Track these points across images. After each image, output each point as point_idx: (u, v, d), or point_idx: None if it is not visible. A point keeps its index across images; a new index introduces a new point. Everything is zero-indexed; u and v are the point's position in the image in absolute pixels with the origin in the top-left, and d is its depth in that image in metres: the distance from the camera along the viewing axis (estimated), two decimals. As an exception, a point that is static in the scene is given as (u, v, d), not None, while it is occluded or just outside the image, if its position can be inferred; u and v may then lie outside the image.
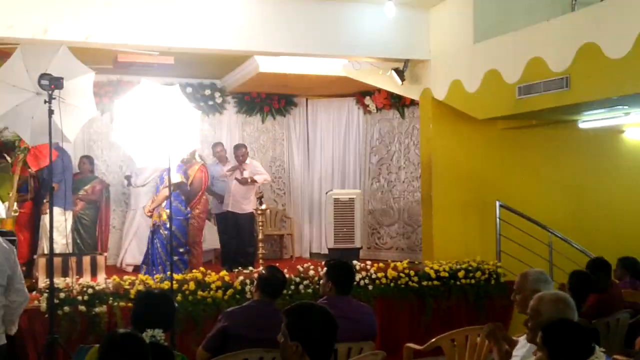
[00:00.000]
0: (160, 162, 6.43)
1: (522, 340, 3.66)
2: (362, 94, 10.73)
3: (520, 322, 3.66)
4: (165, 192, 7.76)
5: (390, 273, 7.48)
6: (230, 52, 7.73)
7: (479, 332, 4.49)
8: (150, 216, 8.16)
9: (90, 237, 8.76)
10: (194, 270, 7.54)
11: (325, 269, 4.72)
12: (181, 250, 7.86)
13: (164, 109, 5.85)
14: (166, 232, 7.68)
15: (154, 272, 7.67)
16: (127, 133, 6.06)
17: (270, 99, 10.92)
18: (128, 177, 9.60)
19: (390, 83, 8.79)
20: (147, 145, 5.99)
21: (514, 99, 7.18)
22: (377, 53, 8.15)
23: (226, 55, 8.24)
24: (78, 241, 8.56)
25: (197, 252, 8.38)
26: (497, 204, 8.10)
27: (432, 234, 8.41)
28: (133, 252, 9.17)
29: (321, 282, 4.79)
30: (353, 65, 8.94)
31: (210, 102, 10.57)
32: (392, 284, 7.42)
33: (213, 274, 7.01)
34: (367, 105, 10.74)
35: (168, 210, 7.65)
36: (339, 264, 4.73)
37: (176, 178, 7.83)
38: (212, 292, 6.69)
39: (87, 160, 9.19)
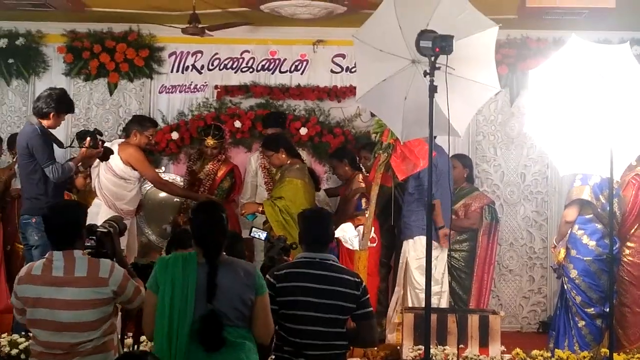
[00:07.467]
0: (597, 169, 6.41)
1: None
2: None
3: None
4: (568, 214, 7.84)
5: None
6: None
7: None
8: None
9: (460, 285, 8.89)
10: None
11: None
12: (589, 310, 7.71)
13: (608, 82, 5.81)
14: (567, 281, 7.83)
15: (564, 341, 7.77)
16: (545, 122, 6.11)
17: None
18: None
19: None
20: (578, 141, 6.00)
21: None
22: None
23: None
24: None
25: (634, 318, 8.12)
26: None
27: None
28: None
29: None
30: None
31: (673, 70, 10.21)
32: None
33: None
34: None
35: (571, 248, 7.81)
36: None
37: (580, 193, 7.77)
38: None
39: (458, 161, 9.12)
